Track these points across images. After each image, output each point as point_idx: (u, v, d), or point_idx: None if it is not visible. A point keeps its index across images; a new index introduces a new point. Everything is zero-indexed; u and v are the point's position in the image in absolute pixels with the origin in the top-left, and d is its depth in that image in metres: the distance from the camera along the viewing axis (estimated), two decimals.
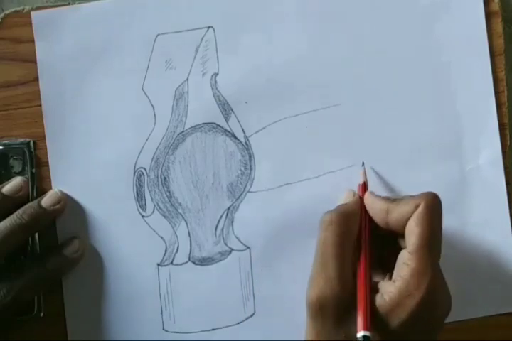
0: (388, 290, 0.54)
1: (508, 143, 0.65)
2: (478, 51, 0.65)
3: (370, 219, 0.58)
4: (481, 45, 0.65)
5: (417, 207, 0.55)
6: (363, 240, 0.57)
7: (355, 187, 0.62)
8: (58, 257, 0.62)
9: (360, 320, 0.52)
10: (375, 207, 0.58)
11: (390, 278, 0.55)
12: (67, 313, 0.64)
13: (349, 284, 0.54)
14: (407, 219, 0.55)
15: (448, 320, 0.63)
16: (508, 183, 0.64)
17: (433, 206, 0.56)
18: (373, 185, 0.63)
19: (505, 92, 0.65)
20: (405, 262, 0.54)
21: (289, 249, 0.63)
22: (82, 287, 0.64)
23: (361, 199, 0.60)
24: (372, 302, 0.53)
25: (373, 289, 0.55)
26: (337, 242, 0.55)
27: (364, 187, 0.62)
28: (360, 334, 0.52)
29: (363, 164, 0.63)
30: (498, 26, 0.65)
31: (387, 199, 0.58)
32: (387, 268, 0.57)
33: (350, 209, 0.59)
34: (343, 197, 0.61)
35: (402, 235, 0.56)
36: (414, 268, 0.54)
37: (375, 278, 0.57)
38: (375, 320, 0.53)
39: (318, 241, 0.56)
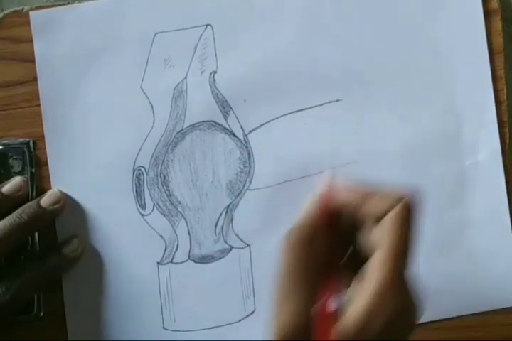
0: (354, 310, 0.47)
1: (508, 141, 0.65)
2: (477, 49, 0.65)
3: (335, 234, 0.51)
4: (480, 43, 0.65)
5: (398, 201, 0.49)
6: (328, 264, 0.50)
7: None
8: (57, 256, 0.62)
9: None
10: (343, 199, 0.51)
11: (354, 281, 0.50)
12: (67, 313, 0.63)
13: (312, 315, 0.48)
14: (384, 213, 0.49)
15: (446, 316, 0.63)
16: (507, 182, 0.64)
17: (407, 215, 0.49)
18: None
19: (505, 90, 0.65)
20: (369, 276, 0.48)
21: None
22: (81, 286, 0.64)
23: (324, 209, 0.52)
24: (337, 325, 0.47)
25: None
26: (297, 268, 0.49)
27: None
28: None
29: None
30: (498, 24, 0.65)
31: (358, 190, 0.51)
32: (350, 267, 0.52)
33: (309, 223, 0.52)
34: (306, 205, 0.53)
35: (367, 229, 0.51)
36: (377, 281, 0.48)
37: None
38: None
39: (280, 266, 0.50)
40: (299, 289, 0.49)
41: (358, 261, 0.51)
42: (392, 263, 0.48)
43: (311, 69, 0.64)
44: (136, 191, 0.64)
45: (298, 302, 0.48)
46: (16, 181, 0.63)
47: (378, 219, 0.50)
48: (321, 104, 0.64)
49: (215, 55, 0.64)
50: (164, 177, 0.64)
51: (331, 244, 0.51)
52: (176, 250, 0.64)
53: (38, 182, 0.64)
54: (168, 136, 0.64)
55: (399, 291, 0.48)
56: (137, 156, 0.64)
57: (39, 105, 0.64)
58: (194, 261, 0.64)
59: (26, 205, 0.62)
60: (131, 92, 0.64)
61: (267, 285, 0.62)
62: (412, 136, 0.64)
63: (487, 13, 0.65)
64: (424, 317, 0.63)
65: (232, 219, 0.64)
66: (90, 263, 0.64)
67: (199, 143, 0.64)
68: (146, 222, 0.64)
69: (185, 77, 0.64)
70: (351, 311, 0.48)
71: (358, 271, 0.50)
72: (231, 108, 0.64)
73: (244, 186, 0.64)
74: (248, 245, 0.64)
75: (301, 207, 0.53)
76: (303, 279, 0.49)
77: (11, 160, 0.64)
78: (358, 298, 0.48)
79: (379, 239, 0.49)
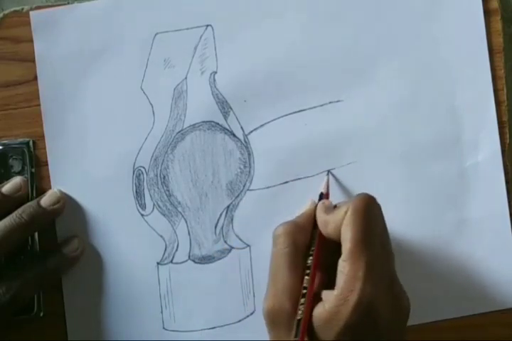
0: (327, 298, 0.54)
1: (508, 141, 0.65)
2: (477, 49, 0.65)
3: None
4: (480, 43, 0.65)
5: (346, 213, 0.55)
6: (312, 252, 0.57)
7: (355, 185, 0.63)
8: (58, 256, 0.63)
9: (294, 332, 0.53)
10: (318, 220, 0.58)
11: None
12: (67, 313, 0.64)
13: (297, 296, 0.54)
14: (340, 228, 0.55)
15: (448, 316, 0.63)
16: (507, 182, 0.64)
17: (360, 209, 0.55)
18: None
19: (504, 90, 0.65)
20: (340, 269, 0.54)
21: None
22: (81, 286, 0.64)
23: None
24: (315, 312, 0.54)
25: (319, 298, 0.54)
26: (285, 254, 0.56)
27: (324, 197, 0.62)
28: None
29: (328, 173, 0.64)
30: (497, 24, 0.65)
31: (326, 210, 0.58)
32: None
33: (300, 221, 0.59)
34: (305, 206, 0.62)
35: None
36: (346, 274, 0.53)
37: (327, 287, 0.56)
38: (314, 329, 0.53)
39: (271, 253, 0.58)
40: (284, 272, 0.56)
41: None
42: (355, 252, 0.53)
43: (311, 70, 0.64)
44: (136, 191, 0.64)
45: (282, 283, 0.55)
46: (16, 181, 0.63)
47: (339, 231, 0.55)
48: (321, 105, 0.64)
49: (216, 55, 0.64)
50: (164, 177, 0.64)
51: (319, 243, 0.57)
52: (176, 250, 0.64)
53: (38, 182, 0.64)
54: (168, 136, 0.64)
55: (361, 284, 0.52)
56: (137, 156, 0.64)
57: (39, 105, 0.64)
58: (194, 261, 0.64)
59: (26, 205, 0.62)
60: (132, 92, 0.64)
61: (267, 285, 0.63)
62: (412, 136, 0.64)
63: (487, 13, 0.65)
64: (425, 318, 0.63)
65: (232, 220, 0.64)
66: (90, 263, 0.64)
67: (199, 144, 0.64)
68: (146, 222, 0.64)
69: (186, 78, 0.64)
70: (327, 298, 0.54)
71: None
72: (231, 108, 0.64)
73: (244, 186, 0.64)
74: (248, 245, 0.64)
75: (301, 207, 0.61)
76: (287, 264, 0.56)
77: (11, 160, 0.64)
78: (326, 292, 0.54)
79: (342, 242, 0.55)
